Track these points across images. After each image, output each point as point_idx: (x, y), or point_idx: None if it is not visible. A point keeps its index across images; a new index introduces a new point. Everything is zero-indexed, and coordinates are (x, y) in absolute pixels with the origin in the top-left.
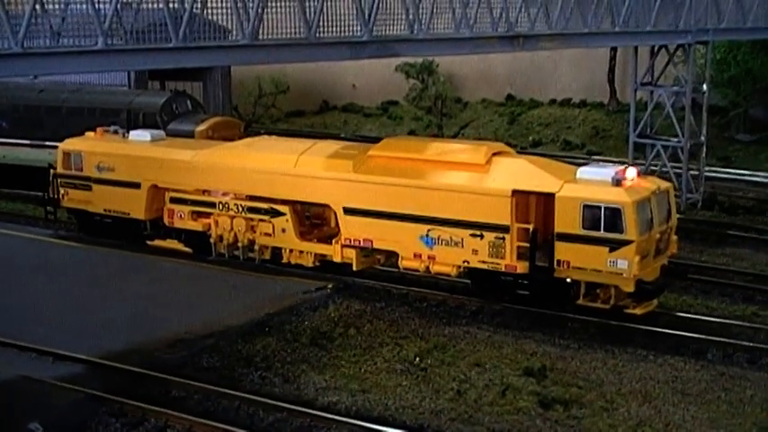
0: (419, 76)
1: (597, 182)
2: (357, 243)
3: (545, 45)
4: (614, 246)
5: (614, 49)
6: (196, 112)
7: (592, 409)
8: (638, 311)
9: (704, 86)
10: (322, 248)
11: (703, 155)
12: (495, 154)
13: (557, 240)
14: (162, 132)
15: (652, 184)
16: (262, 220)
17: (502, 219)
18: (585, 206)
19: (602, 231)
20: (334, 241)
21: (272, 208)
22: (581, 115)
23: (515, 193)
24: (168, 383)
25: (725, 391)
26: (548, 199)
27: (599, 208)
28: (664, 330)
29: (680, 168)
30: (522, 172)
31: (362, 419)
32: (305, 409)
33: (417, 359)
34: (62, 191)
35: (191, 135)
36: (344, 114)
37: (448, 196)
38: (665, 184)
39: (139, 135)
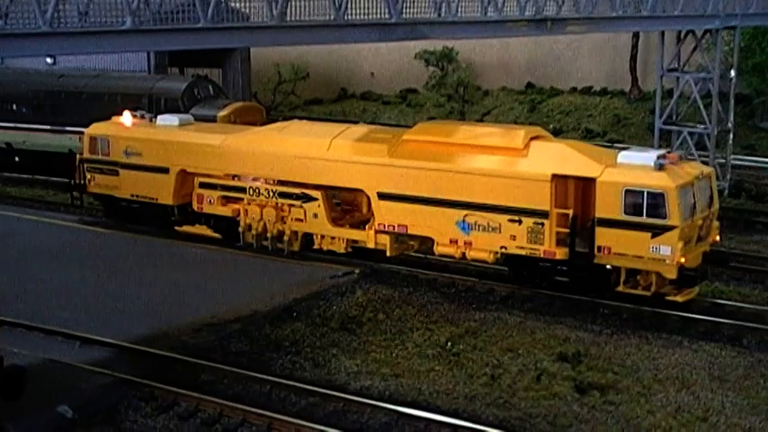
0: (439, 64)
1: (639, 166)
2: (391, 228)
3: (573, 29)
4: (657, 231)
5: (636, 37)
6: (218, 98)
7: (629, 394)
8: (679, 299)
9: (732, 72)
10: (354, 234)
11: (730, 142)
12: (532, 138)
13: (597, 226)
14: (190, 117)
15: (695, 168)
16: (293, 206)
17: (541, 204)
18: (628, 191)
19: (644, 217)
20: (367, 227)
21: (303, 193)
22: (602, 103)
23: (555, 177)
24: (198, 368)
25: (763, 377)
26: (588, 184)
27: (641, 193)
28: (698, 316)
29: (706, 156)
30: (561, 156)
31: (396, 404)
32: (338, 393)
33: (449, 344)
34: (88, 176)
35: (212, 120)
36: (363, 102)
37: (485, 181)
38: (707, 169)
39: (167, 120)
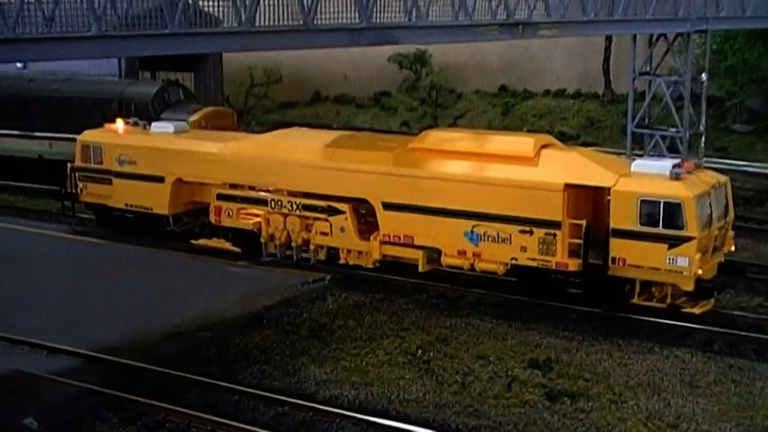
0: (412, 67)
1: (654, 175)
2: (397, 239)
3: (545, 33)
4: (674, 242)
5: (609, 39)
6: (188, 102)
7: (600, 401)
8: (695, 311)
9: (703, 76)
10: (368, 246)
11: (702, 145)
12: (542, 146)
13: (612, 237)
14: (185, 124)
15: (711, 177)
16: (318, 219)
17: (553, 214)
18: (643, 201)
19: (660, 228)
20: (372, 238)
21: (329, 206)
22: (575, 106)
23: (567, 187)
24: (166, 377)
25: (734, 383)
26: (600, 193)
27: (657, 203)
28: (668, 322)
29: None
30: (573, 165)
31: (366, 413)
32: (307, 402)
33: (419, 351)
34: (80, 185)
35: None
36: (336, 105)
37: (495, 190)
38: (722, 178)
39: (162, 127)
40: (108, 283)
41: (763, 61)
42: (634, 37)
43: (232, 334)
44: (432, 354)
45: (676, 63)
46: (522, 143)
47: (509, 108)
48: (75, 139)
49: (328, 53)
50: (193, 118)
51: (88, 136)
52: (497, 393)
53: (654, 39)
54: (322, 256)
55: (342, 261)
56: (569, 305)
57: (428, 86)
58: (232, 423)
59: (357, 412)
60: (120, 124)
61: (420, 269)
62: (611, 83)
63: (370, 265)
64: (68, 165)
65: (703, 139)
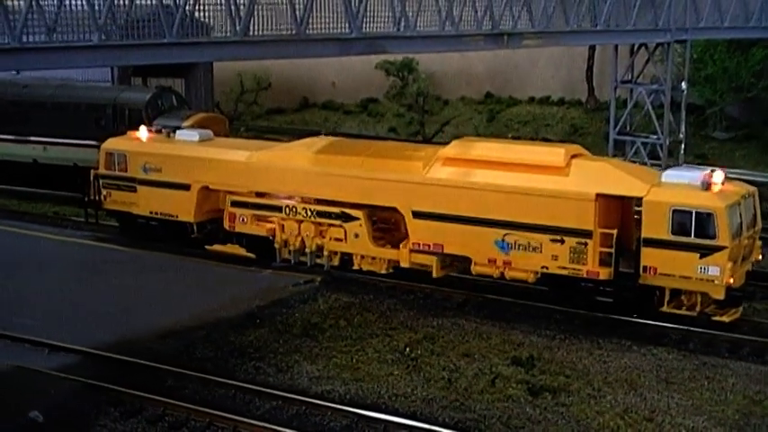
0: (399, 74)
1: (685, 186)
2: (427, 248)
3: (529, 43)
4: (705, 252)
5: (592, 48)
6: (181, 108)
7: (579, 396)
8: (725, 319)
9: (683, 84)
10: (397, 254)
11: (682, 152)
12: (572, 156)
13: (643, 246)
14: (209, 132)
15: (740, 188)
16: (332, 225)
17: (584, 224)
18: (675, 211)
19: (692, 237)
20: (401, 246)
21: (343, 212)
22: (559, 113)
23: (599, 196)
24: (164, 373)
25: (707, 379)
26: (631, 203)
27: (689, 213)
28: (647, 321)
29: (659, 165)
30: (604, 175)
31: (356, 407)
32: (300, 396)
33: (407, 349)
34: (104, 192)
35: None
36: (324, 112)
37: (526, 200)
38: (751, 188)
39: (187, 134)
40: (109, 285)
41: (742, 70)
42: (616, 47)
43: (227, 333)
44: (419, 351)
45: (657, 72)
46: (552, 153)
47: (494, 115)
48: (68, 144)
49: (317, 60)
50: (186, 124)
51: (112, 143)
52: (482, 389)
53: (635, 48)
54: (336, 261)
55: (355, 267)
56: (550, 305)
57: (415, 93)
58: (228, 416)
59: (348, 406)
60: (143, 131)
61: (434, 275)
62: (594, 91)
63: (384, 271)
64: (91, 171)
65: (683, 146)
